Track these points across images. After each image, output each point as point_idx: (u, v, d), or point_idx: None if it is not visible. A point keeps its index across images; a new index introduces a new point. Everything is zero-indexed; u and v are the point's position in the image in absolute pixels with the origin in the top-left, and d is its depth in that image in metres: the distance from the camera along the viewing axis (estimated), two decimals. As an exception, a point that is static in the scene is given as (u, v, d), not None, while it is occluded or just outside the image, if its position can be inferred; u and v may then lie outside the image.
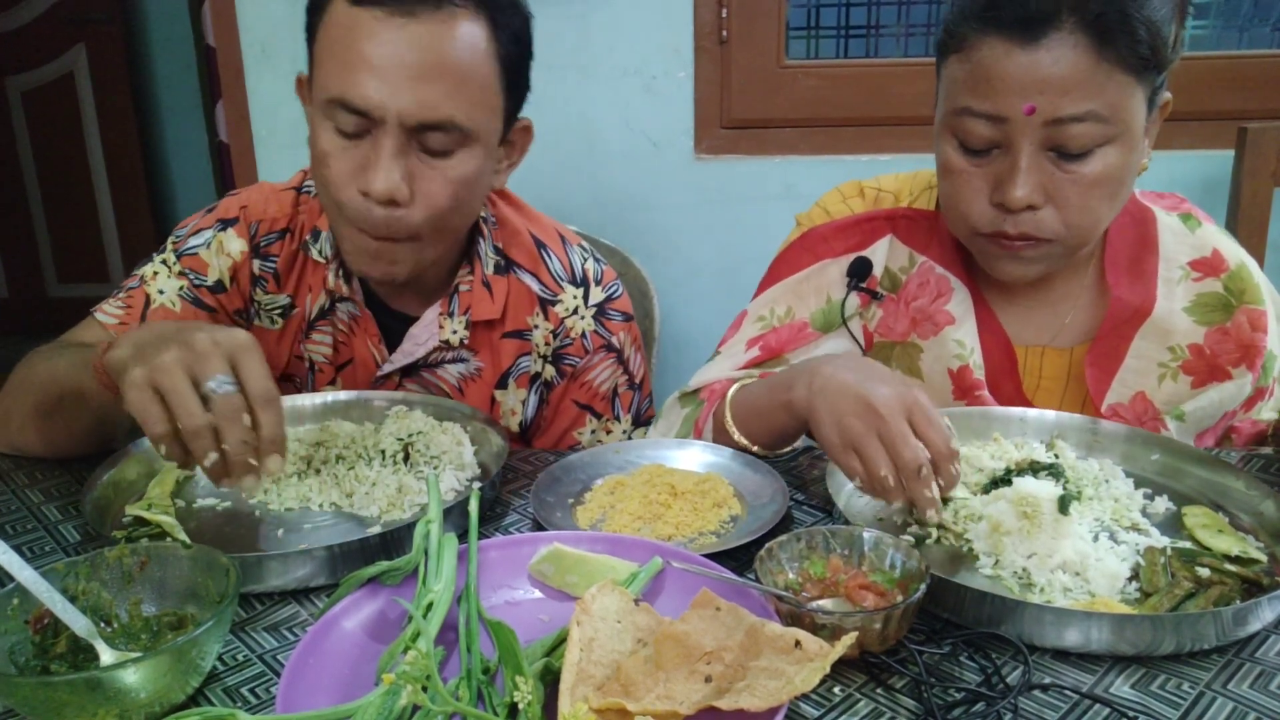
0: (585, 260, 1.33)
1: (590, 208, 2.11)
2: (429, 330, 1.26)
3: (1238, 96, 1.94)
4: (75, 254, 4.29)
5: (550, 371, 1.31)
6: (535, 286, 1.29)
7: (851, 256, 1.24)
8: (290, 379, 1.36)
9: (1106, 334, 1.17)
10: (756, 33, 2.01)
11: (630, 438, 1.35)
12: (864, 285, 1.23)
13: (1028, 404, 1.19)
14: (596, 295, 1.31)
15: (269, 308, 1.30)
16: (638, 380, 1.36)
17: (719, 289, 2.13)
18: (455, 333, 1.26)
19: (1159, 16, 0.98)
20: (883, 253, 1.23)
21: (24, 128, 4.15)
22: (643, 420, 1.37)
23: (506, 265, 1.29)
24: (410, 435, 1.10)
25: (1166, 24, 0.99)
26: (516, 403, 1.31)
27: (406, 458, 1.09)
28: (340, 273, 1.25)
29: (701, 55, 2.01)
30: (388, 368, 1.29)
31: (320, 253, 1.26)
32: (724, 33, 2.00)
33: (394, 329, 1.29)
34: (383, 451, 1.09)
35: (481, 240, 1.27)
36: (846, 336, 1.25)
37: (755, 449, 1.11)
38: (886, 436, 0.88)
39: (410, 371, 1.30)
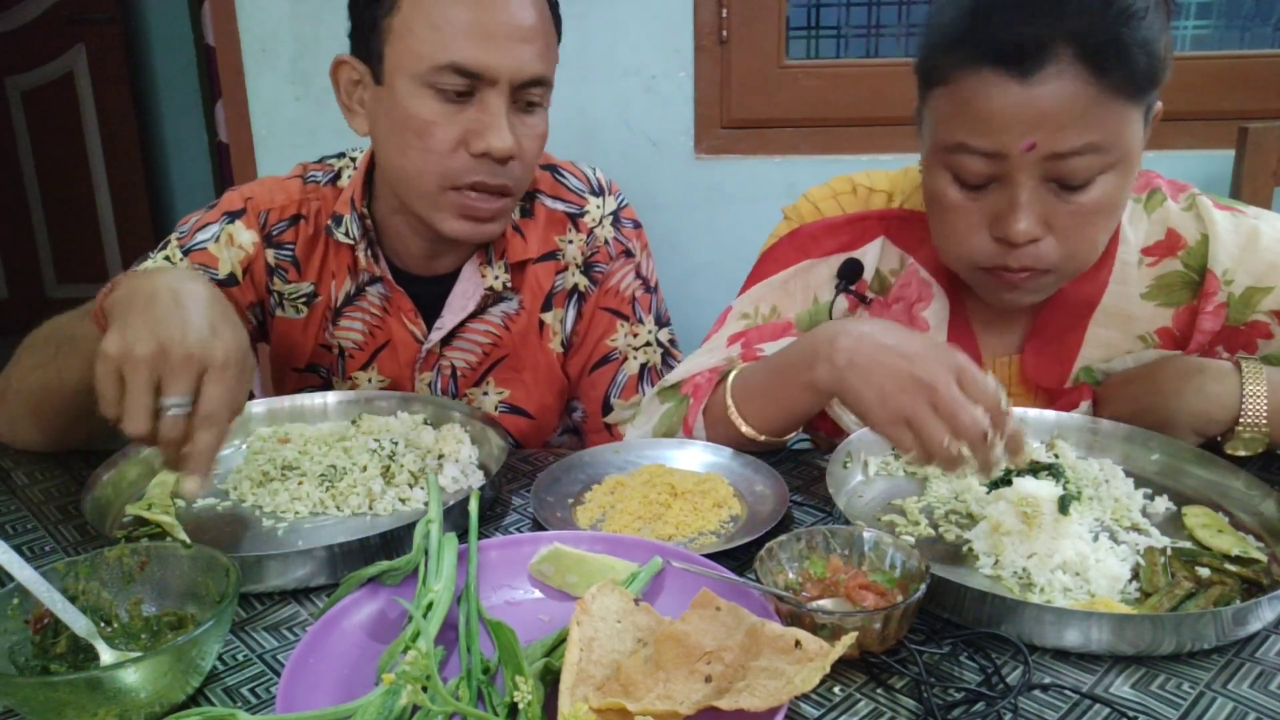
0: (595, 170, 1.38)
1: (590, 207, 2.10)
2: (473, 283, 1.29)
3: (1238, 96, 1.94)
4: (74, 254, 4.28)
5: (584, 282, 1.34)
6: (560, 206, 1.34)
7: (841, 257, 1.21)
8: (316, 370, 1.36)
9: (1045, 324, 1.15)
10: (756, 33, 2.00)
11: (656, 338, 1.39)
12: (853, 288, 1.21)
13: None
14: (610, 204, 1.36)
15: (292, 296, 1.31)
16: (652, 284, 1.41)
17: (719, 289, 2.10)
18: (498, 278, 1.30)
19: (1153, 35, 0.94)
20: (874, 255, 1.20)
21: (24, 128, 4.15)
22: (663, 320, 1.42)
23: (531, 199, 1.33)
24: (391, 448, 1.09)
25: (1159, 40, 0.96)
26: (557, 322, 1.35)
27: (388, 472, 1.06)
28: (368, 252, 1.27)
29: (701, 55, 2.01)
30: (435, 335, 1.30)
31: (347, 234, 1.27)
32: (724, 33, 1.99)
33: (426, 300, 1.31)
34: (365, 466, 1.06)
35: None
36: None
37: (761, 437, 1.08)
38: (942, 406, 0.85)
39: (448, 340, 1.32)
